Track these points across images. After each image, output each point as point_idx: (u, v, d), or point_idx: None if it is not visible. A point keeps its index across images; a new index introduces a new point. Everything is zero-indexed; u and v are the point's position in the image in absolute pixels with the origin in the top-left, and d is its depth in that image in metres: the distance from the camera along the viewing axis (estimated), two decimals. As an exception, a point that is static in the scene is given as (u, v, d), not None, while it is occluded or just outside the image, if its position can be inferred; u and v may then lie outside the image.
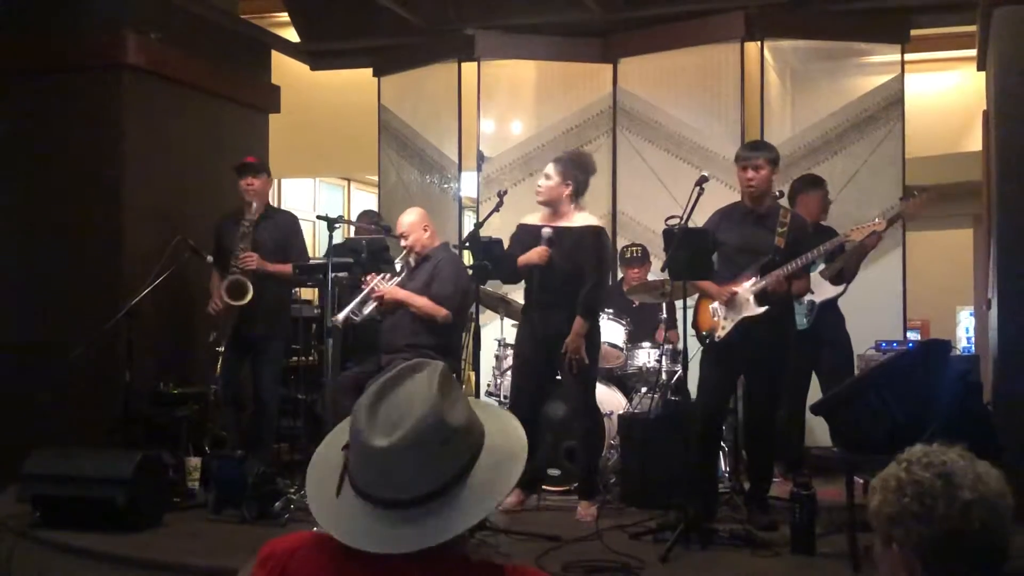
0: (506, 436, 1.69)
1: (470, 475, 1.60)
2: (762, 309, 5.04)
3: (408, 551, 1.56)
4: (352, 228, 7.89)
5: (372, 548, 1.56)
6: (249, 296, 6.08)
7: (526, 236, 5.45)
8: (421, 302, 5.79)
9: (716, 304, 5.19)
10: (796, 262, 5.03)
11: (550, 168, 5.43)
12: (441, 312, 5.78)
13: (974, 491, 1.60)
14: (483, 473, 1.61)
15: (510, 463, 1.65)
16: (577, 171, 5.44)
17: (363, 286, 5.86)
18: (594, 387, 5.59)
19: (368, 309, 5.90)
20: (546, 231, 5.36)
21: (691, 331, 5.25)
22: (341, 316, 5.70)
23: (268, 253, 6.26)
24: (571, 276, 5.31)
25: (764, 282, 5.04)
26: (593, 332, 5.38)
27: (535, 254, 5.32)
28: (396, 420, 1.57)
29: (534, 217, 5.53)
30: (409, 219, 5.97)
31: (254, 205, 6.23)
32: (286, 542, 1.66)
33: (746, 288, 5.08)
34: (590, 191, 7.64)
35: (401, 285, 5.89)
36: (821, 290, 5.99)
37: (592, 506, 5.29)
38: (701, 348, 5.30)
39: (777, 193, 5.54)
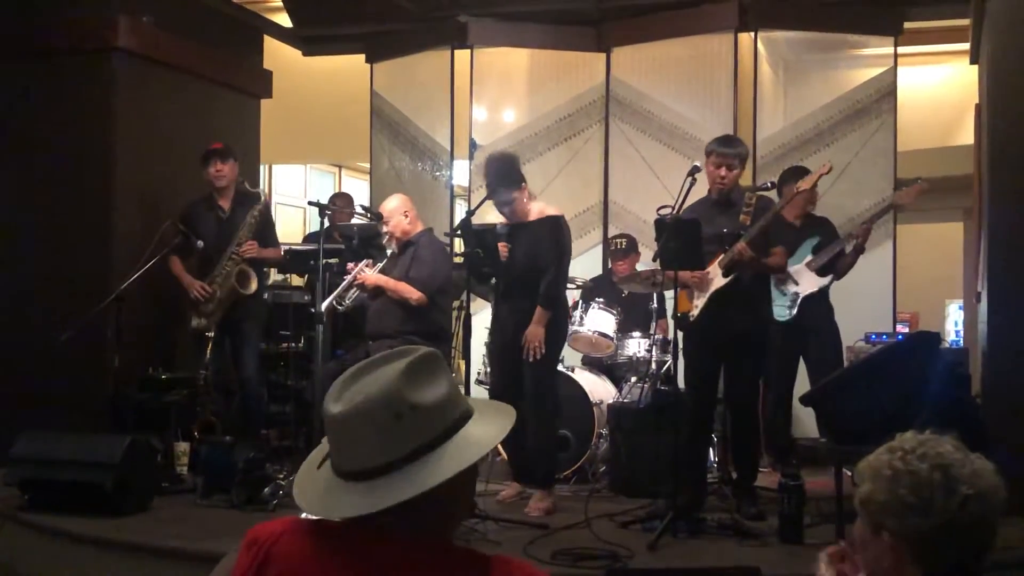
0: (488, 428, 1.69)
1: (431, 455, 1.61)
2: (727, 280, 5.02)
3: (344, 516, 1.60)
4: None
5: (316, 513, 1.63)
6: (254, 287, 6.13)
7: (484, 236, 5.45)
8: (395, 285, 5.79)
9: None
10: (756, 226, 4.98)
11: (503, 195, 5.31)
12: (414, 294, 5.75)
13: (971, 486, 1.61)
14: (447, 453, 1.62)
15: (473, 449, 1.65)
16: (516, 173, 5.39)
17: (347, 275, 5.88)
18: (552, 378, 5.51)
19: (352, 297, 5.93)
20: (500, 227, 5.39)
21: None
22: (324, 305, 5.69)
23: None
24: (530, 269, 5.31)
25: (730, 255, 5.00)
26: (555, 323, 5.34)
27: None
28: (355, 393, 1.62)
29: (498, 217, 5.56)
30: (390, 206, 5.98)
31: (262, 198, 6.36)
32: (271, 527, 1.67)
33: (715, 266, 5.08)
34: (583, 180, 7.76)
35: (385, 271, 5.90)
36: (807, 281, 6.01)
37: (546, 499, 5.22)
38: (682, 331, 5.27)
39: (769, 184, 5.55)
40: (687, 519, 4.63)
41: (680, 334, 5.13)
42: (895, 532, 1.63)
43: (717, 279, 5.07)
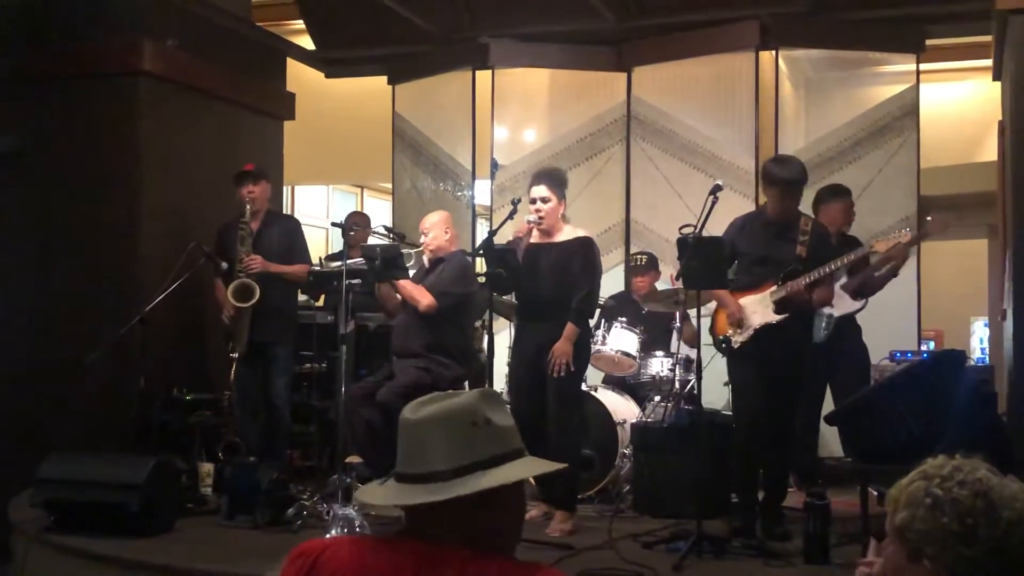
0: (539, 463, 1.81)
1: (498, 467, 1.69)
2: (780, 317, 5.00)
3: (408, 503, 1.69)
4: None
5: (378, 501, 1.77)
6: (255, 298, 6.13)
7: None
8: (410, 289, 5.83)
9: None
10: (819, 271, 4.97)
11: (543, 190, 5.32)
12: (425, 299, 5.78)
13: (1012, 509, 1.60)
14: (512, 468, 1.70)
15: (535, 466, 1.77)
16: (564, 186, 5.41)
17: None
18: (577, 397, 5.48)
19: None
20: (531, 217, 5.33)
21: (707, 339, 5.21)
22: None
23: (274, 257, 6.33)
24: (558, 289, 5.27)
25: (785, 290, 5.01)
26: (582, 342, 5.31)
27: (523, 228, 5.35)
28: (432, 406, 1.72)
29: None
30: (433, 219, 6.05)
31: (248, 211, 6.32)
32: (318, 543, 1.77)
33: (766, 296, 5.05)
34: (604, 199, 7.76)
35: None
36: (841, 304, 5.94)
37: (568, 520, 5.18)
38: (724, 355, 5.23)
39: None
40: (711, 539, 4.60)
41: (709, 354, 5.11)
42: (937, 559, 1.61)
43: (768, 314, 5.01)
